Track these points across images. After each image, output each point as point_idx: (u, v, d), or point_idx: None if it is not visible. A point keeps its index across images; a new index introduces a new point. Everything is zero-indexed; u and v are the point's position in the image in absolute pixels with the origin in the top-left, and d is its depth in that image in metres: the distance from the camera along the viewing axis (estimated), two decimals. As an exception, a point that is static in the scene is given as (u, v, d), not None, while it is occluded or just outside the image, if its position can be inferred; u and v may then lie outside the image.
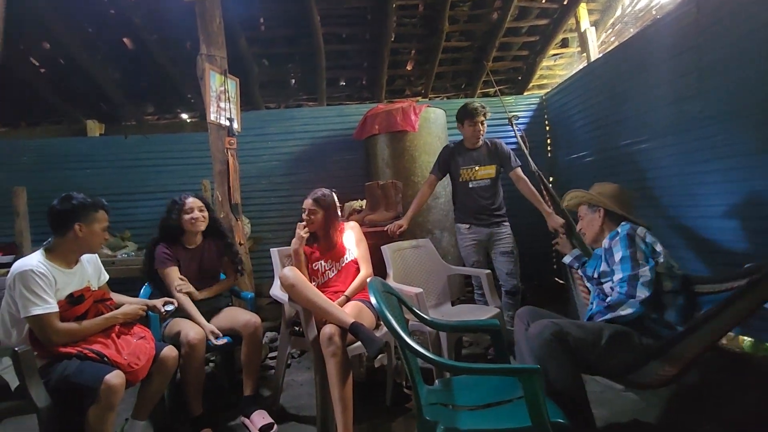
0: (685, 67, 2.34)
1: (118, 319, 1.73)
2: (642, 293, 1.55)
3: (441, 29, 4.16)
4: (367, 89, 4.91)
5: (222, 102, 2.70)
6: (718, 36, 2.12)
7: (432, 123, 3.52)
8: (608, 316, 1.59)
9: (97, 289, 1.79)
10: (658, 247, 1.66)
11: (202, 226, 2.23)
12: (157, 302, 1.91)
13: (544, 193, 2.76)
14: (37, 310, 1.51)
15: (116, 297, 1.91)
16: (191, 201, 2.21)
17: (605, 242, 1.76)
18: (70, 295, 1.65)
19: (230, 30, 3.01)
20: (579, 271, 2.00)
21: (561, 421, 1.17)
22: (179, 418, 1.94)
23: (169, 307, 1.91)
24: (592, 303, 1.78)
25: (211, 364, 2.62)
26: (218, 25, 2.70)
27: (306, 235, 2.15)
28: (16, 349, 1.47)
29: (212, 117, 2.62)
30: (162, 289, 2.15)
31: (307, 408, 2.17)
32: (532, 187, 2.65)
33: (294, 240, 2.14)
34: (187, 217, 2.18)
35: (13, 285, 1.54)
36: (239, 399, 2.05)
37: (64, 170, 3.91)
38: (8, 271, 1.59)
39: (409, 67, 4.71)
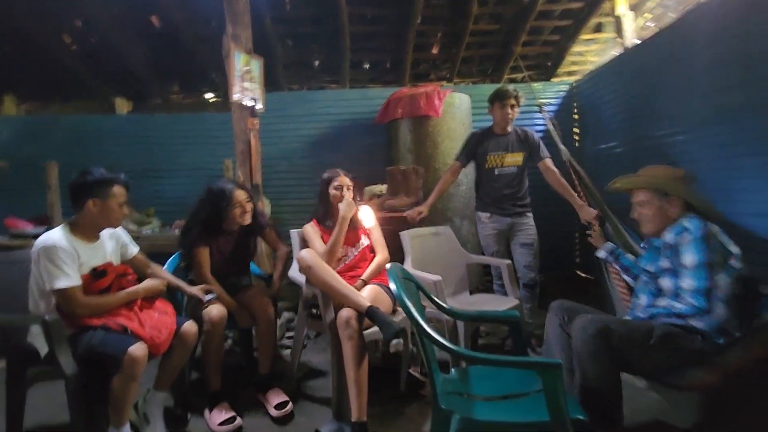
0: (729, 55, 2.20)
1: (139, 294, 1.77)
2: (720, 309, 1.41)
3: (469, 12, 4.04)
4: (391, 72, 4.84)
5: (246, 82, 2.70)
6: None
7: (456, 108, 3.45)
8: (677, 322, 1.46)
9: (119, 264, 1.84)
10: (733, 248, 1.50)
11: (249, 219, 2.17)
12: (197, 291, 1.94)
13: (576, 182, 2.67)
14: (61, 284, 1.55)
15: (157, 270, 1.97)
16: (238, 194, 2.12)
17: (669, 236, 1.58)
18: (93, 270, 1.69)
19: (255, 9, 2.99)
20: (615, 265, 1.93)
21: (581, 417, 1.14)
22: (198, 391, 1.99)
23: (210, 296, 1.96)
24: (638, 296, 1.68)
25: (229, 341, 2.68)
26: (244, 3, 2.68)
27: (354, 204, 2.09)
28: (46, 317, 1.52)
29: (236, 97, 2.62)
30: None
31: (321, 388, 2.20)
32: (562, 179, 2.56)
33: (344, 207, 2.06)
34: (237, 211, 2.12)
35: (38, 259, 1.58)
36: (256, 377, 2.09)
37: (94, 146, 4.01)
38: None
39: (434, 51, 4.61)
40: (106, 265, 1.74)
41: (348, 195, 2.17)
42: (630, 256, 1.92)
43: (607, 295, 2.49)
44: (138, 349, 1.55)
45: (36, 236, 1.75)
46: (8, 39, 4.17)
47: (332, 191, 2.20)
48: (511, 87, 2.63)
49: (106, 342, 1.57)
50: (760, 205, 2.07)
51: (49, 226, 2.72)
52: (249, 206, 2.16)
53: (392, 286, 1.31)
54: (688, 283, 1.47)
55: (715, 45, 2.31)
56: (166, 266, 2.22)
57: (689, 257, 1.48)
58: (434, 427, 1.24)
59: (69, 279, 1.57)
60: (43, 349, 1.57)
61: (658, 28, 2.98)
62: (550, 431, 1.10)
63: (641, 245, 1.84)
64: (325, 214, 2.22)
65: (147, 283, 1.82)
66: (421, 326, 1.21)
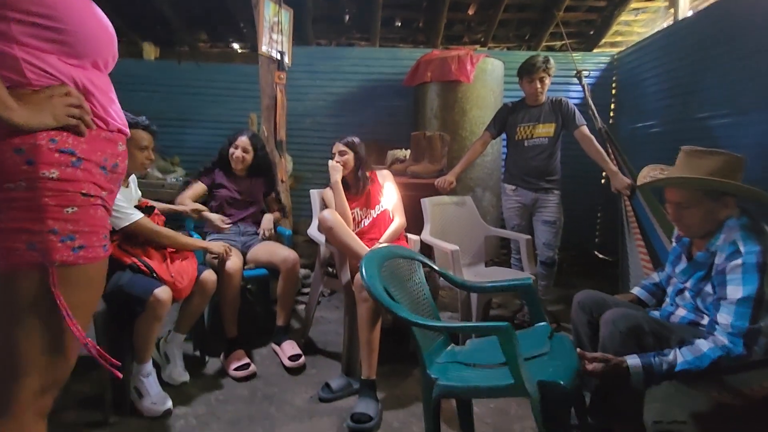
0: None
1: (197, 246, 1.92)
2: (760, 349, 1.19)
3: (512, -30, 3.79)
4: (423, 32, 4.64)
5: (274, 33, 2.63)
6: None
7: (488, 75, 3.31)
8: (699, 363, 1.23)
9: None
10: None
11: (240, 166, 2.37)
12: (215, 246, 1.99)
13: (611, 151, 2.55)
14: (133, 218, 1.66)
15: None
16: (242, 140, 2.36)
17: (719, 258, 1.30)
18: (139, 207, 1.78)
19: (288, -44, 2.86)
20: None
21: (555, 381, 1.13)
22: (216, 337, 2.08)
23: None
24: (675, 304, 1.49)
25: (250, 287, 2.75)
26: (276, -51, 2.57)
27: (340, 166, 2.16)
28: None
29: (264, 48, 2.56)
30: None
31: (333, 344, 2.27)
32: (598, 146, 2.44)
33: (330, 171, 2.15)
34: (232, 150, 2.35)
35: None
36: (272, 328, 2.17)
37: (120, 91, 3.99)
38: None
39: (470, 12, 4.37)
40: (144, 202, 1.86)
41: (334, 159, 2.19)
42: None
43: (622, 271, 2.44)
44: (163, 292, 1.61)
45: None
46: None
47: (332, 160, 2.22)
48: (540, 58, 2.46)
49: (133, 283, 1.63)
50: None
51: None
52: (246, 155, 2.35)
53: (363, 273, 1.31)
54: (725, 318, 1.23)
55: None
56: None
57: (734, 289, 1.23)
58: (424, 392, 1.31)
59: (136, 213, 1.68)
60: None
61: (714, 0, 2.75)
62: (515, 394, 1.12)
63: (671, 239, 1.65)
64: None
65: (214, 244, 1.99)
66: (384, 304, 1.26)
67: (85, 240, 0.83)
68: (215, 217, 2.21)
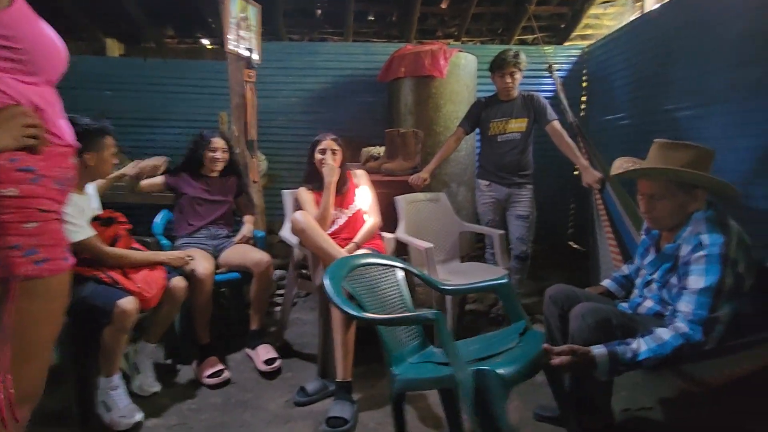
0: (750, 28, 2.08)
1: (160, 260, 1.82)
2: (717, 335, 1.23)
3: (483, -37, 3.78)
4: (397, 27, 4.61)
5: (242, 30, 2.56)
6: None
7: (462, 70, 3.31)
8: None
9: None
10: (748, 259, 1.26)
11: (220, 167, 2.34)
12: (173, 259, 1.88)
13: (581, 144, 2.59)
14: (79, 236, 1.55)
15: None
16: (217, 140, 2.32)
17: (684, 249, 1.33)
18: (97, 218, 1.70)
19: (254, -51, 2.78)
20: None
21: (486, 369, 1.14)
22: (188, 344, 2.04)
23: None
24: (643, 296, 1.53)
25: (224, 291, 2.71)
26: (241, -58, 2.49)
27: (338, 168, 2.10)
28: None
29: (231, 46, 2.49)
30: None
31: (309, 346, 2.25)
32: (569, 140, 2.47)
33: (326, 172, 2.06)
34: (210, 155, 2.30)
35: None
36: (246, 332, 2.14)
37: (83, 89, 3.85)
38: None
39: (444, 5, 4.36)
40: (106, 212, 1.76)
41: (330, 159, 2.12)
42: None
43: (593, 262, 2.48)
44: (127, 302, 1.56)
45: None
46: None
47: (317, 155, 2.16)
48: (510, 52, 2.48)
49: (96, 294, 1.58)
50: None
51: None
52: (224, 155, 2.33)
53: (326, 283, 1.30)
54: (686, 306, 1.26)
55: (736, 17, 2.18)
56: (158, 219, 2.25)
57: (696, 280, 1.26)
58: (391, 389, 1.35)
59: (84, 230, 1.58)
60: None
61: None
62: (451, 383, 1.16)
63: (640, 232, 1.68)
64: (312, 176, 2.20)
65: (173, 254, 1.90)
66: (339, 307, 1.27)
67: (48, 253, 0.87)
68: (150, 162, 2.18)
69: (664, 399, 1.76)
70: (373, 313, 1.40)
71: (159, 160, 2.23)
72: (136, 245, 1.86)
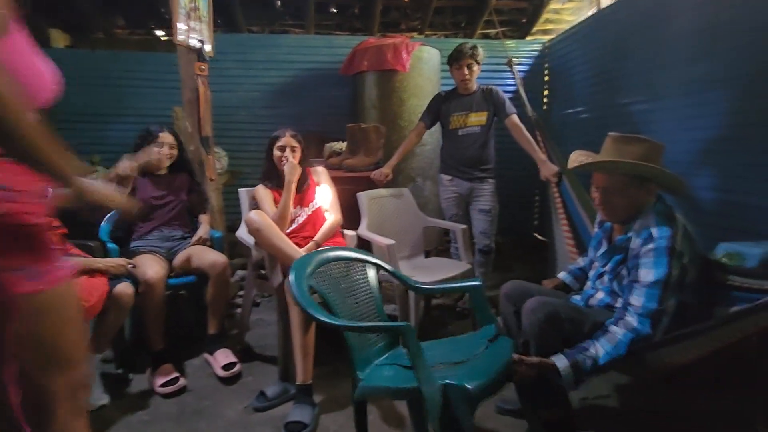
0: (699, 25, 2.15)
1: (98, 267, 1.70)
2: (663, 326, 1.26)
3: (445, -44, 3.76)
4: (360, 19, 4.54)
5: (192, 20, 2.44)
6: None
7: (425, 63, 3.29)
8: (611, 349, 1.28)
9: None
10: (692, 251, 1.29)
11: (167, 163, 2.22)
12: (111, 267, 1.75)
13: (540, 138, 2.62)
14: None
15: None
16: (164, 135, 2.20)
17: (635, 242, 1.35)
18: None
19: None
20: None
21: (455, 383, 1.11)
22: (140, 352, 1.93)
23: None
24: (595, 288, 1.54)
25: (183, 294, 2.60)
26: (189, -73, 2.36)
27: (299, 166, 2.04)
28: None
29: (180, 37, 2.37)
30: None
31: (271, 348, 2.18)
32: (528, 134, 2.50)
33: (288, 170, 2.00)
34: (155, 149, 2.15)
35: None
36: (204, 336, 2.05)
37: (25, 84, 3.60)
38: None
39: (406, -2, 4.33)
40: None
41: (291, 157, 2.06)
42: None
43: (551, 254, 2.52)
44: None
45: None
46: None
47: (276, 152, 2.09)
48: (468, 45, 2.48)
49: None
50: (718, 180, 2.08)
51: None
52: (171, 152, 2.22)
53: (291, 281, 1.26)
54: (637, 300, 1.28)
55: (685, 13, 2.25)
56: (105, 221, 2.11)
57: (646, 274, 1.28)
58: (353, 392, 1.31)
59: None
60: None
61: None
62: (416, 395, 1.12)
63: (594, 225, 1.70)
64: (270, 174, 2.13)
65: (111, 261, 1.78)
66: (306, 310, 1.22)
67: (42, 266, 0.86)
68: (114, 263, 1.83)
69: (620, 386, 1.82)
70: (342, 312, 1.36)
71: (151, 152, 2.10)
72: (75, 251, 1.73)
